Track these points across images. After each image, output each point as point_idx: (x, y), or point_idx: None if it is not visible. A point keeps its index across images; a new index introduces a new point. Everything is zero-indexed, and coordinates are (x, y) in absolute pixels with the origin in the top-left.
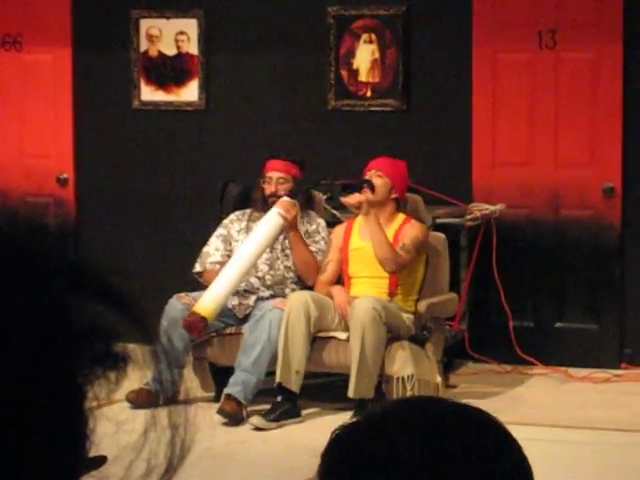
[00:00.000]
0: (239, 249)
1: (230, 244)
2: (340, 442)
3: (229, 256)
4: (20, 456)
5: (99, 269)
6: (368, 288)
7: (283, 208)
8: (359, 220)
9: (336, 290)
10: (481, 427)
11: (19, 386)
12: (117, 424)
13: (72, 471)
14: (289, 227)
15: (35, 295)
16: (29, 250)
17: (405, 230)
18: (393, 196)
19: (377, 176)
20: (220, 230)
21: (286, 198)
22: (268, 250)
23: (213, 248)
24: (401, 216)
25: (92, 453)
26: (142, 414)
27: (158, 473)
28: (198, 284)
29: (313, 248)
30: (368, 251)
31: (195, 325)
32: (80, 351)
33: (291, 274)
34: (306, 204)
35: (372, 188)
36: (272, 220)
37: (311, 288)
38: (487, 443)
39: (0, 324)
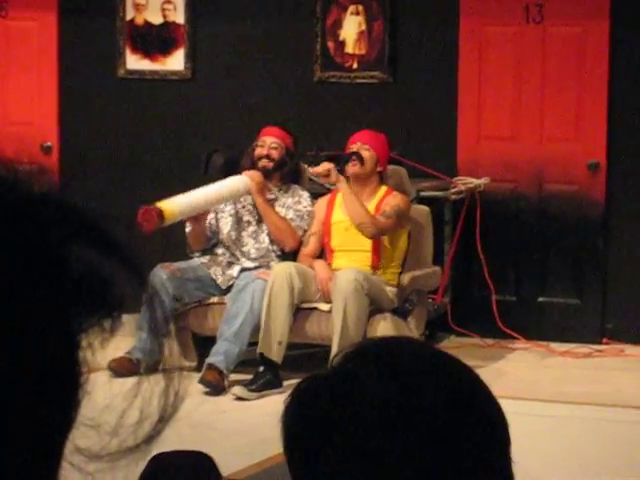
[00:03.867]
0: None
1: (218, 214)
2: (304, 391)
3: (216, 219)
4: (12, 403)
5: (96, 217)
6: (350, 261)
7: (248, 174)
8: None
9: (318, 265)
10: (450, 370)
11: (11, 332)
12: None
13: (65, 420)
14: (256, 193)
15: (30, 240)
16: (26, 194)
17: (387, 199)
18: (378, 169)
19: (364, 149)
20: None
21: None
22: (254, 223)
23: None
24: (383, 188)
25: (85, 402)
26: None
27: (151, 422)
28: (182, 254)
29: (292, 214)
30: (350, 224)
31: (150, 216)
32: (74, 298)
33: (275, 247)
34: (292, 178)
35: (361, 160)
36: (239, 177)
37: (294, 259)
38: (456, 386)
39: None
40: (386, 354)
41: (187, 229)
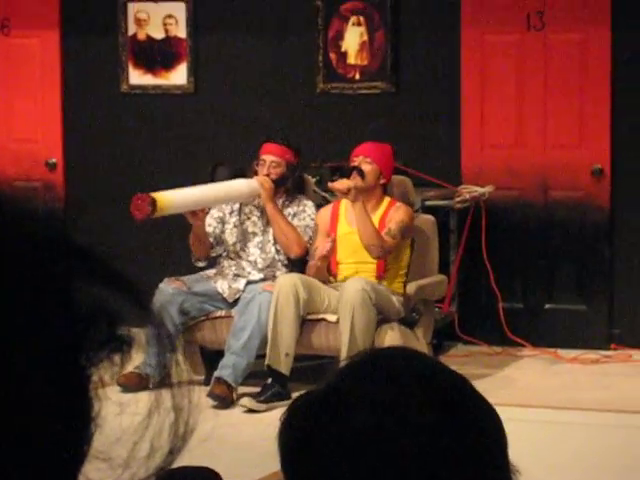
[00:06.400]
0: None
1: (223, 225)
2: (296, 412)
3: (222, 232)
4: (24, 438)
5: (103, 253)
6: (356, 273)
7: (259, 180)
8: (344, 204)
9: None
10: (444, 384)
11: (21, 369)
12: (121, 406)
13: (78, 454)
14: (267, 199)
15: (38, 278)
16: (33, 232)
17: (391, 214)
18: (381, 182)
19: (366, 162)
20: (214, 211)
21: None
22: (260, 233)
23: (206, 225)
24: (386, 199)
25: (96, 435)
26: (145, 396)
27: (162, 454)
28: (188, 268)
29: (297, 222)
30: (355, 236)
31: (142, 204)
32: (84, 334)
33: (281, 256)
34: (296, 189)
35: (362, 175)
36: (245, 180)
37: (300, 270)
38: (449, 401)
39: (1, 306)
40: (377, 369)
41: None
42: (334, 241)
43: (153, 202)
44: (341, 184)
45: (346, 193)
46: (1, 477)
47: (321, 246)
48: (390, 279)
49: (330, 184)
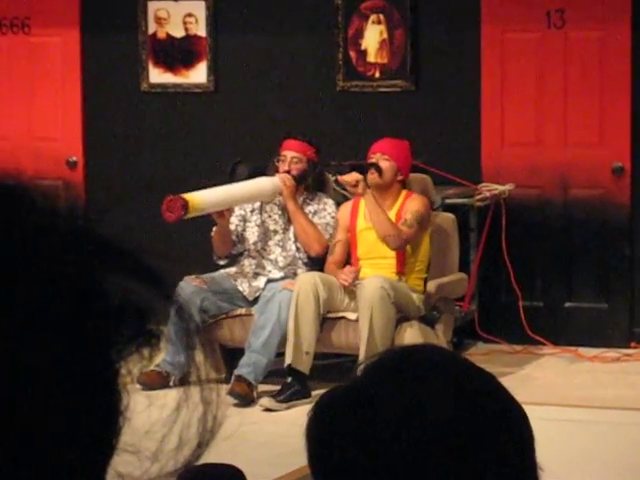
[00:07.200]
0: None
1: (245, 223)
2: (322, 408)
3: (244, 230)
4: (54, 432)
5: (131, 246)
6: (376, 269)
7: (281, 177)
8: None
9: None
10: (470, 380)
11: (53, 362)
12: (149, 399)
13: (107, 447)
14: (288, 197)
15: (68, 271)
16: (61, 227)
17: (406, 205)
18: (399, 178)
19: (384, 159)
20: (235, 209)
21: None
22: (280, 232)
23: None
24: (403, 193)
25: (125, 429)
26: (172, 392)
27: (190, 447)
28: (208, 266)
29: (318, 220)
30: (373, 232)
31: (174, 206)
32: (114, 328)
33: (302, 254)
34: (317, 186)
35: (380, 171)
36: (268, 178)
37: (321, 268)
38: (476, 397)
39: (34, 300)
40: (405, 366)
41: (212, 232)
42: (358, 271)
43: (185, 204)
44: (350, 176)
45: (355, 185)
46: (33, 469)
47: (348, 277)
48: (409, 274)
49: (339, 177)
